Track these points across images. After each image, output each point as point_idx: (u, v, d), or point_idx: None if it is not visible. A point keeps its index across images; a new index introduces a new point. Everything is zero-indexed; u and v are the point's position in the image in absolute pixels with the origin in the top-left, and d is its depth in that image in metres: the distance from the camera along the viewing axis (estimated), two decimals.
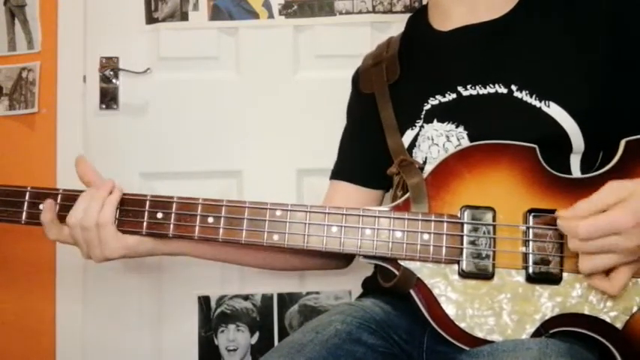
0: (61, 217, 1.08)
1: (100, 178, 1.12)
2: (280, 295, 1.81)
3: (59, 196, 1.08)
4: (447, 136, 1.10)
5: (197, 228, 1.05)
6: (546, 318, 0.96)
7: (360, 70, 1.34)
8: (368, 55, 1.35)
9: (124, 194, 1.09)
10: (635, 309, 0.95)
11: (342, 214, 1.02)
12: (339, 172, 1.33)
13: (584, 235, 0.87)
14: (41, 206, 1.08)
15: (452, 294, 0.98)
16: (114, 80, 1.80)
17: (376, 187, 1.29)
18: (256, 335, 1.81)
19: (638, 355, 0.96)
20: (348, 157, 1.33)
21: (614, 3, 1.06)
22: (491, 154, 1.01)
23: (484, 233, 0.98)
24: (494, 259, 0.97)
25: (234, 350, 1.80)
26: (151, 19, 1.81)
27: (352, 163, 1.31)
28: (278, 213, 1.03)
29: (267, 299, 1.81)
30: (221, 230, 1.04)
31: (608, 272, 0.91)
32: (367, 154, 1.26)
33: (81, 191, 1.09)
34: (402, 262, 1.00)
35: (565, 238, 0.93)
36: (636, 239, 0.86)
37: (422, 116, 1.15)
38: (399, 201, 1.04)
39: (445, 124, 1.11)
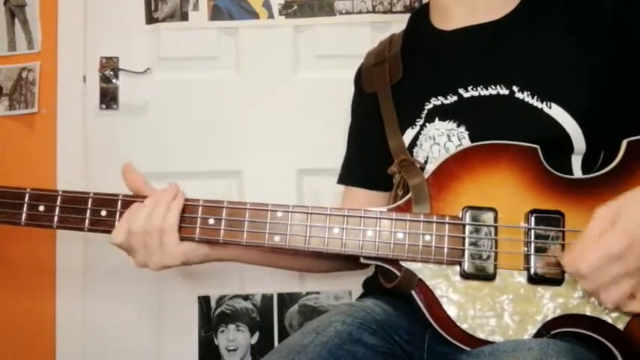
0: (62, 219, 1.07)
1: (150, 185, 1.10)
2: (280, 295, 1.81)
3: (59, 198, 1.08)
4: (449, 136, 1.10)
5: (197, 229, 1.04)
6: (548, 319, 0.96)
7: (362, 69, 1.34)
8: (370, 52, 1.35)
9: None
10: None
11: (344, 216, 1.02)
12: (355, 178, 1.33)
13: (587, 272, 0.86)
14: (41, 208, 1.07)
15: (453, 295, 0.98)
16: (114, 80, 1.80)
17: (389, 189, 1.29)
18: (256, 335, 1.81)
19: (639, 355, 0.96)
20: (359, 161, 1.33)
21: (614, 3, 1.05)
22: (492, 154, 1.01)
23: (486, 234, 0.98)
24: (495, 260, 0.97)
25: (234, 350, 1.80)
26: (151, 19, 1.81)
27: (366, 167, 1.31)
28: (279, 214, 1.03)
29: (267, 299, 1.81)
30: (222, 232, 1.04)
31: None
32: (376, 157, 1.25)
33: (81, 193, 1.08)
34: (403, 263, 1.00)
35: (566, 237, 0.94)
36: (636, 257, 0.85)
37: (423, 115, 1.15)
38: (400, 202, 1.03)
39: (447, 122, 1.11)
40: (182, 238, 1.06)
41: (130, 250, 1.07)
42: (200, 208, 1.05)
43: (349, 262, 1.26)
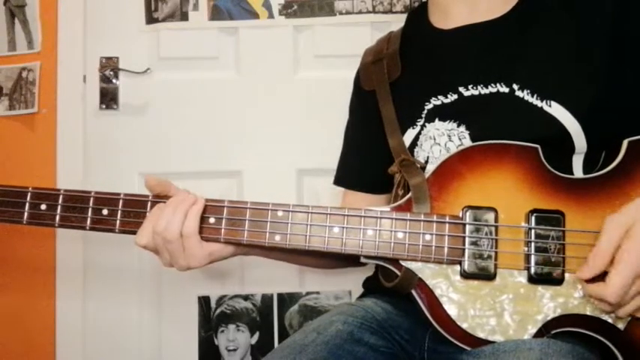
0: (63, 218, 1.07)
1: (175, 187, 1.09)
2: (280, 295, 1.81)
3: (60, 197, 1.08)
4: (449, 136, 1.10)
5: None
6: (548, 319, 0.96)
7: (360, 67, 1.34)
8: (368, 50, 1.34)
9: (126, 194, 1.08)
10: None
11: (344, 215, 1.02)
12: (351, 181, 1.33)
13: (616, 301, 0.88)
14: (43, 206, 1.07)
15: (453, 294, 0.98)
16: (114, 80, 1.80)
17: (388, 191, 1.30)
18: (256, 335, 1.81)
19: None
20: (356, 163, 1.33)
21: (615, 3, 1.06)
22: (493, 154, 1.01)
23: (486, 234, 0.98)
24: (496, 260, 0.97)
25: (234, 350, 1.80)
26: (151, 19, 1.81)
27: (363, 170, 1.31)
28: (280, 214, 1.03)
29: (267, 299, 1.81)
30: (223, 230, 1.04)
31: None
32: (374, 159, 1.25)
33: (82, 192, 1.08)
34: (403, 263, 1.00)
35: (567, 237, 0.95)
36: None
37: (423, 115, 1.15)
38: (400, 201, 1.03)
39: (447, 122, 1.11)
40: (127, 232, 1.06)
41: (156, 251, 1.06)
42: None
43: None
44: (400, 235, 1.00)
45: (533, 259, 0.96)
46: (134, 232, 1.06)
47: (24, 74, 1.80)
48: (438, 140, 1.11)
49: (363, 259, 1.03)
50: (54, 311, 1.80)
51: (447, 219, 0.99)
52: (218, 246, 1.07)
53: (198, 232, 1.03)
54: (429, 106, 1.14)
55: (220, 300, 1.81)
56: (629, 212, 0.89)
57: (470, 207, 0.99)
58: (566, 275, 0.95)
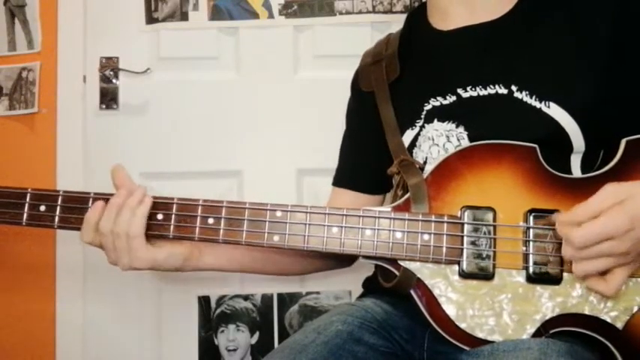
0: (63, 219, 1.08)
1: (133, 183, 1.10)
2: (280, 295, 1.81)
3: (60, 198, 1.08)
4: (448, 136, 1.10)
5: (197, 229, 1.05)
6: (547, 318, 0.96)
7: (359, 69, 1.34)
8: (367, 52, 1.35)
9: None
10: (635, 309, 0.95)
11: (343, 215, 1.02)
12: (342, 180, 1.34)
13: (579, 245, 0.87)
14: (42, 207, 1.08)
15: (452, 294, 0.98)
16: (114, 80, 1.80)
17: (379, 192, 1.32)
18: (256, 335, 1.81)
19: (639, 355, 0.96)
20: (349, 164, 1.34)
21: (614, 3, 1.06)
22: (491, 153, 1.01)
23: (484, 233, 0.98)
24: (494, 260, 0.98)
25: (234, 350, 1.80)
26: (151, 19, 1.81)
27: (354, 170, 1.32)
28: (278, 214, 1.03)
29: (267, 299, 1.81)
30: (221, 231, 1.04)
31: (604, 272, 0.91)
32: (368, 159, 1.27)
33: (81, 193, 1.08)
34: (402, 263, 1.00)
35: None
36: (630, 242, 0.86)
37: (422, 116, 1.15)
38: (399, 201, 1.04)
39: (445, 123, 1.11)
40: (181, 238, 1.06)
41: (101, 248, 1.08)
42: (200, 208, 1.05)
43: (331, 261, 1.29)
44: (398, 235, 1.00)
45: (531, 258, 0.97)
46: None
47: (24, 74, 1.80)
48: (437, 141, 1.11)
49: (361, 260, 1.04)
50: (54, 311, 1.80)
51: (446, 219, 1.00)
52: (163, 254, 1.09)
53: (143, 234, 1.05)
54: (428, 107, 1.14)
55: (220, 300, 1.81)
56: (628, 187, 0.88)
57: (468, 207, 0.99)
58: (565, 275, 0.96)
